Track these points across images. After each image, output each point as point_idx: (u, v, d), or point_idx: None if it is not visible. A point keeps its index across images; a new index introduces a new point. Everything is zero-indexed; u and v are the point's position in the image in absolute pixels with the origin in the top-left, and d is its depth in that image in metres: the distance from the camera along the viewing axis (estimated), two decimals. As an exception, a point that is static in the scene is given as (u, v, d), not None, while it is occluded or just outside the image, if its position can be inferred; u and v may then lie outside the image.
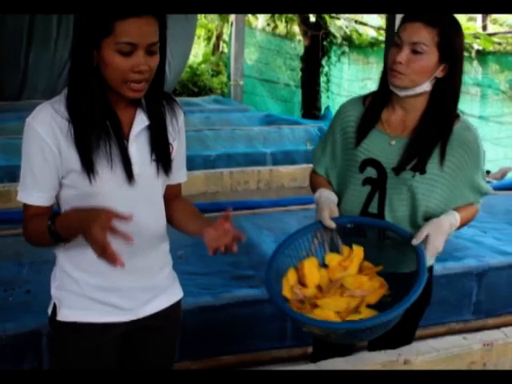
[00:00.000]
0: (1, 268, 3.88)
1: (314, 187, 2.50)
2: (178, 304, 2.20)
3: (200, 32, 17.12)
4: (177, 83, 12.64)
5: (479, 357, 2.54)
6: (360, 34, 12.58)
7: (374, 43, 12.07)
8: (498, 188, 6.19)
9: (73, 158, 1.87)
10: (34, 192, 1.93)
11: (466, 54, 10.57)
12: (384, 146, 2.32)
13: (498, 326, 2.95)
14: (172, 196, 2.15)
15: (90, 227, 1.70)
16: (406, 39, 2.19)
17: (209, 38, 17.89)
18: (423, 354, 2.43)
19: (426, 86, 2.24)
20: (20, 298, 3.50)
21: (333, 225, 2.27)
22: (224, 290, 3.50)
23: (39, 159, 1.89)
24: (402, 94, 2.26)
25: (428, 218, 2.31)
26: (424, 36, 2.17)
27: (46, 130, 1.86)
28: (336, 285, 2.21)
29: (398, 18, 6.26)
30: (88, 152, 1.86)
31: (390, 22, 6.30)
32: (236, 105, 11.46)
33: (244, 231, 4.66)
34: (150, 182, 1.99)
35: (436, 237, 2.19)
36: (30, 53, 10.42)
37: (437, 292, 3.24)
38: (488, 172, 8.50)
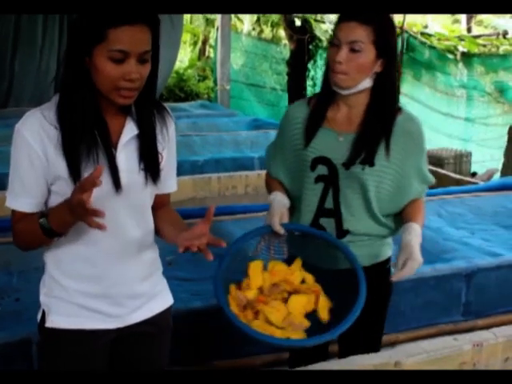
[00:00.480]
0: (-10, 277, 3.86)
1: (269, 189, 2.57)
2: (168, 311, 2.20)
3: (186, 37, 17.10)
4: (163, 88, 12.65)
5: (469, 357, 2.55)
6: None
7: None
8: (485, 189, 6.21)
9: (60, 166, 1.88)
10: (22, 198, 1.93)
11: (451, 56, 10.73)
12: (332, 143, 2.39)
13: (487, 327, 2.97)
14: (159, 205, 2.15)
15: (73, 204, 1.73)
16: (344, 39, 2.25)
17: (195, 43, 17.87)
18: (414, 356, 2.43)
19: (367, 83, 2.33)
20: (9, 306, 3.48)
21: (281, 231, 2.34)
22: (214, 296, 3.48)
23: (27, 165, 1.89)
24: (345, 92, 2.34)
25: (382, 207, 2.41)
26: (360, 34, 2.24)
27: (34, 136, 1.86)
28: (277, 290, 2.28)
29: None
30: (75, 160, 1.87)
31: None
32: (223, 109, 11.44)
33: (233, 236, 4.68)
34: (137, 191, 1.99)
35: (413, 261, 2.20)
36: (15, 60, 10.35)
37: (426, 293, 3.25)
38: (474, 173, 8.54)
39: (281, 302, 2.24)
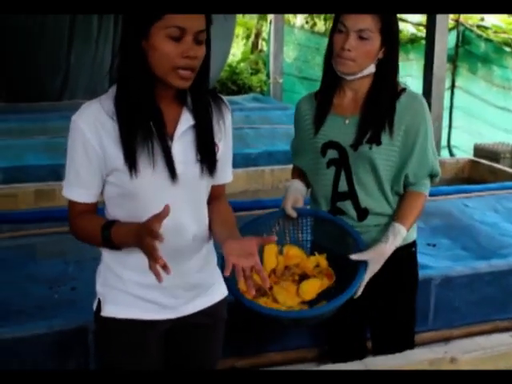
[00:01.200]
0: (46, 266, 3.91)
1: (291, 176, 2.75)
2: (222, 302, 2.21)
3: (239, 31, 17.13)
4: (216, 82, 12.67)
5: (526, 355, 2.51)
6: (400, 31, 12.48)
7: (413, 39, 11.97)
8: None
9: (116, 157, 1.89)
10: (77, 189, 1.96)
11: (508, 48, 10.53)
12: (340, 126, 2.48)
13: (545, 324, 2.92)
14: (214, 196, 2.15)
15: (142, 241, 1.75)
16: (352, 27, 2.33)
17: (247, 37, 17.89)
18: (470, 352, 2.40)
19: (372, 68, 2.42)
20: (65, 295, 3.53)
21: (294, 214, 2.54)
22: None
23: (82, 157, 1.91)
24: (350, 77, 2.43)
25: (392, 185, 2.51)
26: (369, 23, 2.32)
27: (90, 128, 1.88)
28: (289, 272, 2.45)
29: (439, 16, 6.24)
30: (131, 150, 1.88)
31: (431, 18, 6.27)
32: (275, 103, 11.44)
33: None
34: (193, 183, 1.99)
35: (374, 265, 2.36)
36: (71, 53, 10.51)
37: (482, 289, 3.20)
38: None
39: (291, 283, 2.41)
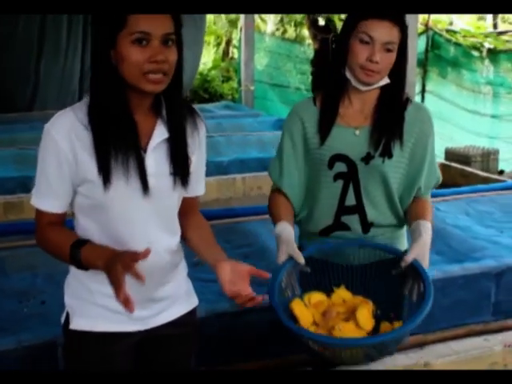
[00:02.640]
0: (15, 279, 3.86)
1: (274, 214, 2.48)
2: (192, 312, 2.19)
3: (209, 38, 17.15)
4: (188, 90, 12.66)
5: (500, 358, 2.52)
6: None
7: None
8: (513, 187, 6.13)
9: (89, 167, 1.87)
10: (47, 198, 1.93)
11: (477, 53, 10.64)
12: (348, 138, 2.39)
13: (518, 327, 2.93)
14: (187, 209, 2.14)
15: (111, 270, 1.74)
16: (379, 38, 2.25)
17: (218, 44, 17.91)
18: (443, 357, 2.41)
19: (387, 79, 2.35)
20: (35, 309, 3.48)
21: (302, 259, 2.29)
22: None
23: (54, 166, 1.89)
24: (365, 88, 2.35)
25: (400, 197, 2.44)
26: (395, 35, 2.27)
27: (64, 137, 1.86)
28: (331, 315, 2.25)
29: (408, 20, 6.27)
30: (105, 162, 1.86)
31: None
32: (247, 110, 11.44)
33: (258, 236, 4.66)
34: (165, 195, 1.98)
35: (424, 261, 2.23)
36: (40, 64, 10.45)
37: (455, 293, 3.21)
38: (502, 171, 8.45)
39: (344, 322, 2.21)
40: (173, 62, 1.87)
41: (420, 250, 2.22)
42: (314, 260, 2.36)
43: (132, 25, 1.79)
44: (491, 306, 3.86)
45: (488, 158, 8.35)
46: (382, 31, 2.25)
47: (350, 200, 2.43)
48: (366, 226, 2.44)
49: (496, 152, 8.55)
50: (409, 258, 2.19)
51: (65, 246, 1.90)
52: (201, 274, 3.56)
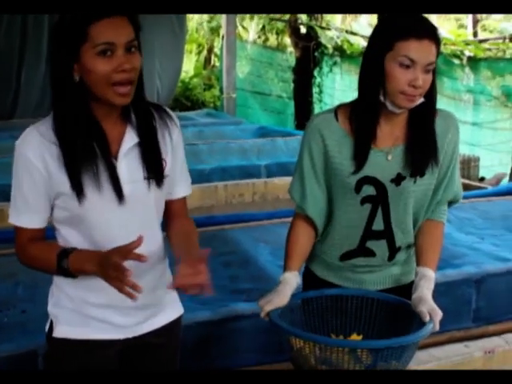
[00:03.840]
0: (-4, 288, 3.84)
1: (288, 250, 2.34)
2: (177, 321, 2.18)
3: (191, 47, 17.15)
4: (171, 99, 12.66)
5: (481, 364, 2.54)
6: (351, 44, 12.64)
7: (365, 53, 12.10)
8: (493, 194, 6.17)
9: (62, 180, 1.86)
10: (25, 214, 1.93)
11: (457, 60, 10.71)
12: (379, 161, 2.22)
13: (498, 333, 2.94)
14: (175, 213, 2.13)
15: (108, 262, 1.75)
16: (421, 60, 2.05)
17: (200, 52, 17.92)
18: (424, 364, 2.41)
19: (422, 98, 2.14)
20: (15, 318, 3.46)
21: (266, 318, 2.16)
22: (222, 305, 3.46)
23: (28, 183, 1.88)
24: (400, 111, 2.17)
25: (424, 215, 2.31)
26: (434, 54, 2.07)
27: (35, 153, 1.85)
28: None
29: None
30: (76, 174, 1.85)
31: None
32: (229, 118, 11.45)
33: (240, 244, 4.66)
34: (142, 201, 1.96)
35: (436, 311, 2.11)
36: (21, 71, 10.42)
37: (435, 300, 3.21)
38: (483, 178, 8.50)
39: None
40: (138, 68, 1.85)
41: (429, 307, 2.11)
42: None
43: (94, 37, 1.77)
44: (472, 313, 3.88)
45: (469, 165, 8.41)
46: (424, 53, 2.05)
47: (379, 224, 2.28)
48: (394, 251, 2.32)
49: (477, 159, 8.61)
50: (426, 318, 2.07)
51: (50, 258, 1.88)
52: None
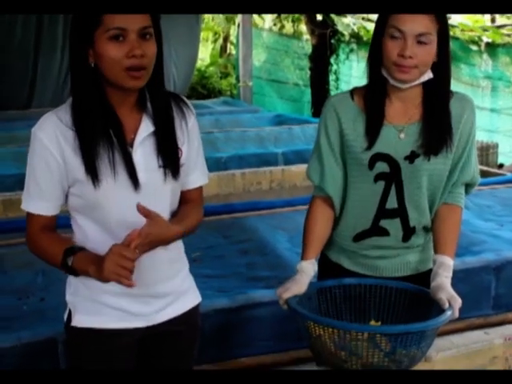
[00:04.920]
0: (14, 277, 3.87)
1: (306, 236, 2.35)
2: (195, 309, 2.17)
3: (207, 35, 17.14)
4: (187, 87, 12.66)
5: (501, 352, 2.51)
6: (368, 31, 12.54)
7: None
8: (513, 180, 6.13)
9: (77, 167, 1.87)
10: (37, 201, 1.93)
11: (475, 47, 10.63)
12: (392, 139, 2.24)
13: (518, 320, 2.92)
14: (189, 201, 2.12)
15: (108, 256, 1.77)
16: (410, 31, 2.09)
17: (215, 41, 17.90)
18: (444, 351, 2.39)
19: (430, 74, 2.18)
20: (34, 306, 3.48)
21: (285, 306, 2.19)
22: (240, 292, 3.47)
23: (43, 168, 1.89)
24: (405, 86, 2.18)
25: (440, 197, 2.30)
26: (429, 25, 2.10)
27: (51, 139, 1.86)
28: None
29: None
30: (91, 161, 1.86)
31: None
32: (245, 106, 11.45)
33: (258, 232, 4.65)
34: (157, 189, 1.96)
35: (455, 298, 2.11)
36: (37, 62, 10.52)
37: (455, 287, 3.20)
38: (501, 165, 8.45)
39: None
40: (152, 56, 1.86)
41: (448, 294, 2.11)
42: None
43: (107, 22, 1.79)
44: (491, 300, 3.87)
45: (487, 151, 8.35)
46: (412, 23, 2.09)
47: (392, 203, 2.28)
48: (408, 231, 2.31)
49: (495, 146, 8.55)
50: (446, 306, 2.08)
51: (57, 252, 1.90)
52: (199, 269, 3.57)
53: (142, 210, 1.82)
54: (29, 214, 1.96)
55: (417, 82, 2.17)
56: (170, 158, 1.96)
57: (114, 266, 1.75)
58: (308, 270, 2.26)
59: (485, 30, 11.22)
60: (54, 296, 3.38)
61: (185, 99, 2.08)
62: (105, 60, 1.81)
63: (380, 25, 2.18)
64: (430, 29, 2.10)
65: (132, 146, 1.91)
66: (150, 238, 1.83)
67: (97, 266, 1.81)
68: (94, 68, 1.84)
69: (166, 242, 1.93)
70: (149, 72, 1.86)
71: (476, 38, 10.79)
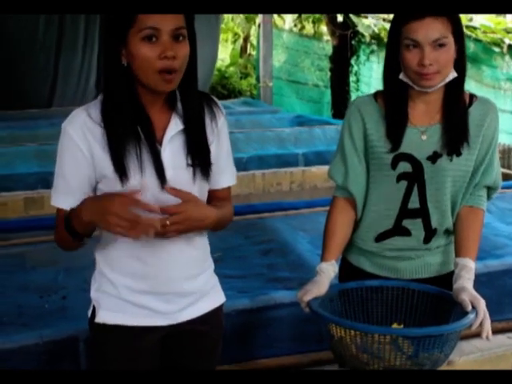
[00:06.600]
0: (36, 274, 3.89)
1: (327, 237, 2.36)
2: (219, 309, 2.18)
3: (227, 35, 17.16)
4: (208, 87, 12.67)
5: (524, 356, 2.50)
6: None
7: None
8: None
9: (105, 163, 1.88)
10: (65, 196, 1.94)
11: (497, 48, 10.56)
12: (415, 140, 2.26)
13: (542, 325, 2.90)
14: (218, 200, 2.12)
15: (107, 211, 1.77)
16: (425, 39, 2.11)
17: (235, 41, 17.92)
18: (467, 355, 2.38)
19: (453, 73, 2.20)
20: (56, 304, 3.50)
21: (307, 309, 2.18)
22: (261, 293, 3.46)
23: (71, 164, 1.90)
24: (432, 89, 2.20)
25: (462, 199, 2.30)
26: (440, 29, 2.12)
27: (80, 134, 1.87)
28: None
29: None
30: (119, 157, 1.87)
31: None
32: (266, 106, 11.45)
33: (278, 233, 4.64)
34: (185, 188, 1.95)
35: (478, 299, 2.13)
36: (59, 61, 10.61)
37: (477, 290, 3.18)
38: (525, 168, 8.39)
39: None
40: (184, 57, 1.86)
41: (470, 296, 2.12)
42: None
43: (141, 22, 1.79)
44: (514, 304, 3.84)
45: (509, 154, 8.32)
46: (425, 30, 2.11)
47: (414, 203, 2.30)
48: (430, 232, 2.32)
49: (517, 148, 8.49)
50: (468, 308, 2.09)
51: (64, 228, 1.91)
52: (220, 270, 3.56)
53: (172, 191, 1.84)
54: (58, 209, 1.96)
55: (443, 83, 2.19)
56: (199, 156, 1.97)
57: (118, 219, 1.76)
58: (328, 271, 2.26)
59: (507, 31, 11.15)
60: (75, 294, 3.40)
61: (215, 99, 2.08)
62: (137, 60, 1.82)
63: (393, 35, 2.20)
64: (444, 32, 2.12)
65: (161, 144, 1.92)
66: (186, 215, 1.85)
67: (92, 213, 1.82)
68: (127, 68, 1.85)
69: (202, 223, 1.93)
70: (180, 74, 1.86)
71: (498, 40, 10.73)
